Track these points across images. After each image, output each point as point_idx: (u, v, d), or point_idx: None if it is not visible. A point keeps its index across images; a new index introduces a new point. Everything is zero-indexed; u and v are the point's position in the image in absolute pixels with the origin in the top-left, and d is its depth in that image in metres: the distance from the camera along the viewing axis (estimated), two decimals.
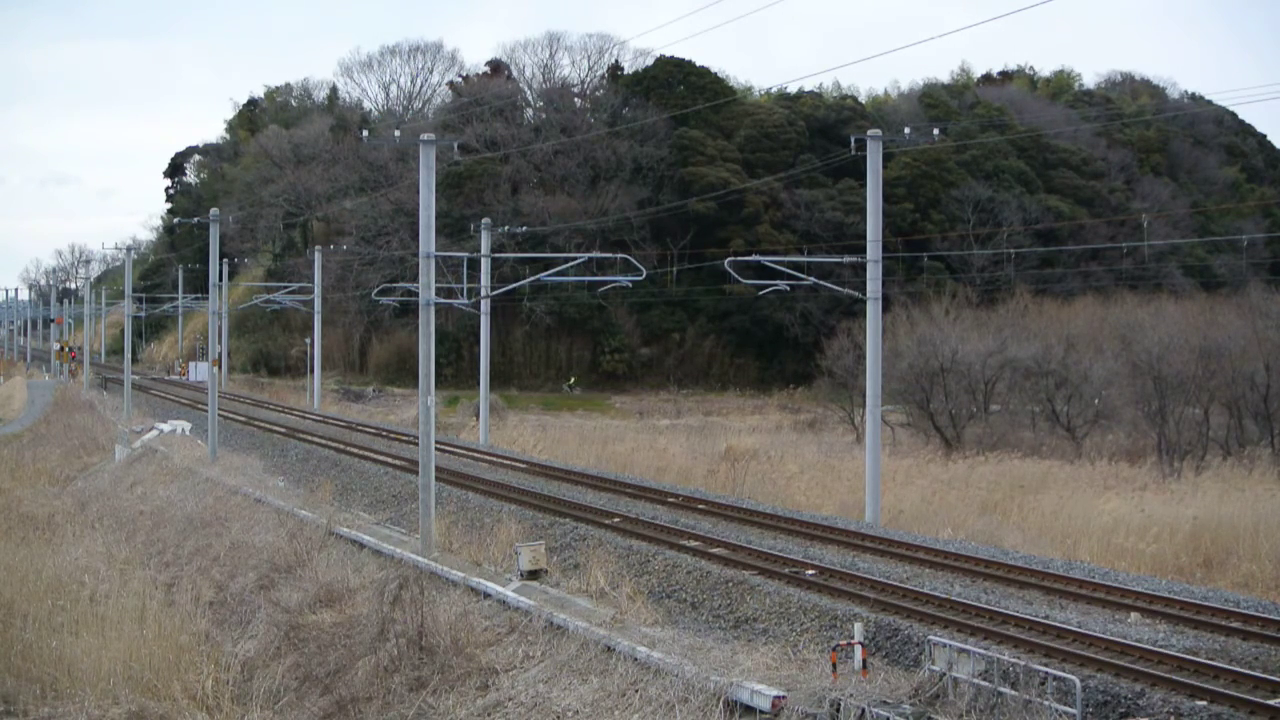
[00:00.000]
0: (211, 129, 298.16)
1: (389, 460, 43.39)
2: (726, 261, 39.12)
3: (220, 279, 56.84)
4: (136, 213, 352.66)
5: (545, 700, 19.66)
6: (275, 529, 33.15)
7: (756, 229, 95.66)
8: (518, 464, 43.46)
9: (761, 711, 16.63)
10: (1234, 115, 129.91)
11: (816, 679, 17.28)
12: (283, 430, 56.77)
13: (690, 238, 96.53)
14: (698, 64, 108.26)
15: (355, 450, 47.26)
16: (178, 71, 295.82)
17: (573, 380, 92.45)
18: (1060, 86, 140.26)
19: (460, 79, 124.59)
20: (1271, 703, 15.17)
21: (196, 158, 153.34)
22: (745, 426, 69.11)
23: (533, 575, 24.63)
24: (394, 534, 31.57)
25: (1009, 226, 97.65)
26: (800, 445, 57.71)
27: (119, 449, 54.60)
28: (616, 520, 29.87)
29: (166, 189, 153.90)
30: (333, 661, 23.50)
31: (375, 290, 65.92)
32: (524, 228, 75.97)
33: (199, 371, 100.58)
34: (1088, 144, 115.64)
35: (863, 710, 15.77)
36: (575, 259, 39.13)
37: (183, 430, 56.32)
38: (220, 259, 53.74)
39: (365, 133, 69.06)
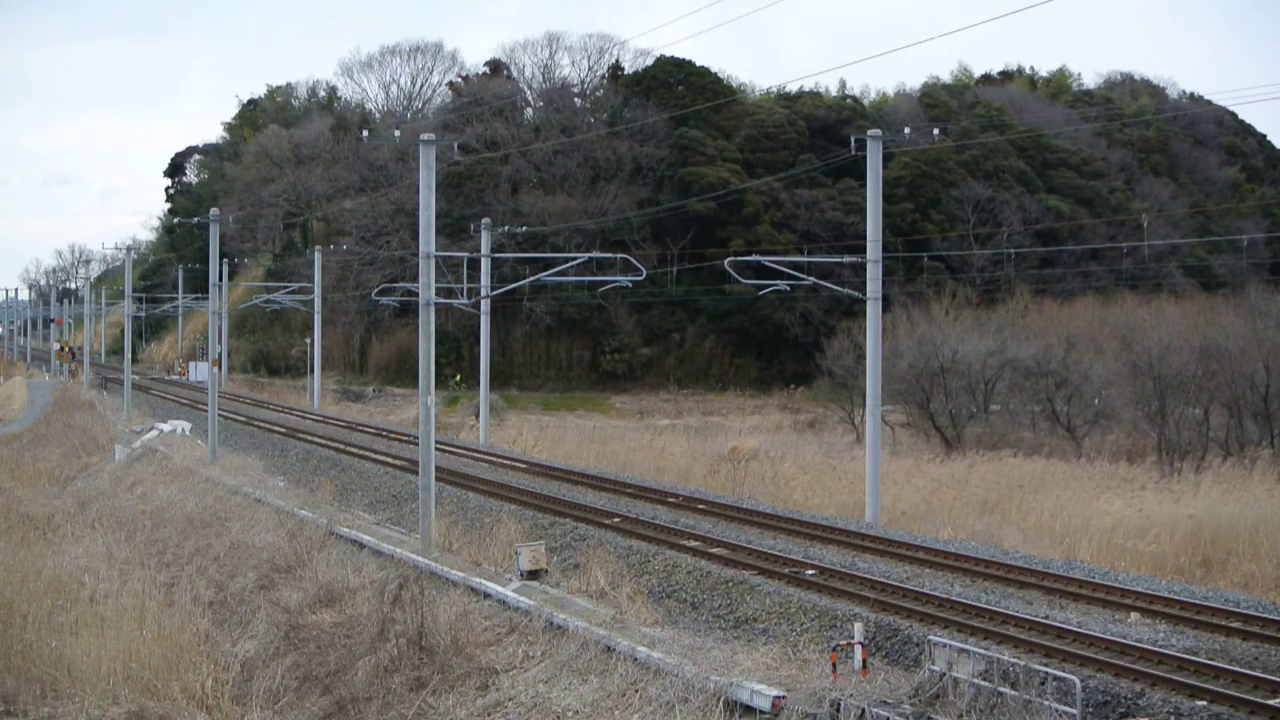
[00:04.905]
0: (214, 129, 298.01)
1: (389, 460, 43.39)
2: (726, 261, 39.13)
3: (220, 279, 56.82)
4: (137, 213, 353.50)
5: (545, 700, 19.65)
6: (275, 529, 33.14)
7: (756, 229, 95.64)
8: (518, 464, 43.47)
9: (761, 711, 16.61)
10: (1234, 115, 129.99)
11: (816, 679, 17.27)
12: (283, 430, 56.77)
13: (690, 238, 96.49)
14: (698, 64, 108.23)
15: (355, 450, 47.26)
16: (180, 72, 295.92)
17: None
18: (1060, 86, 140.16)
19: (460, 79, 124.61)
20: (1271, 703, 15.18)
21: (196, 158, 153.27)
22: (745, 426, 69.11)
23: (533, 575, 24.62)
24: (394, 534, 31.56)
25: (1009, 226, 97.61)
26: (800, 445, 57.68)
27: (119, 449, 54.58)
28: (616, 520, 29.87)
29: (167, 189, 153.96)
30: (333, 661, 23.49)
31: (375, 290, 65.98)
32: (524, 228, 75.98)
33: (199, 371, 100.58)
34: (1088, 144, 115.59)
35: (863, 710, 15.77)
36: (575, 259, 39.19)
37: (183, 430, 56.31)
38: (220, 259, 53.74)
39: (365, 133, 69.15)
